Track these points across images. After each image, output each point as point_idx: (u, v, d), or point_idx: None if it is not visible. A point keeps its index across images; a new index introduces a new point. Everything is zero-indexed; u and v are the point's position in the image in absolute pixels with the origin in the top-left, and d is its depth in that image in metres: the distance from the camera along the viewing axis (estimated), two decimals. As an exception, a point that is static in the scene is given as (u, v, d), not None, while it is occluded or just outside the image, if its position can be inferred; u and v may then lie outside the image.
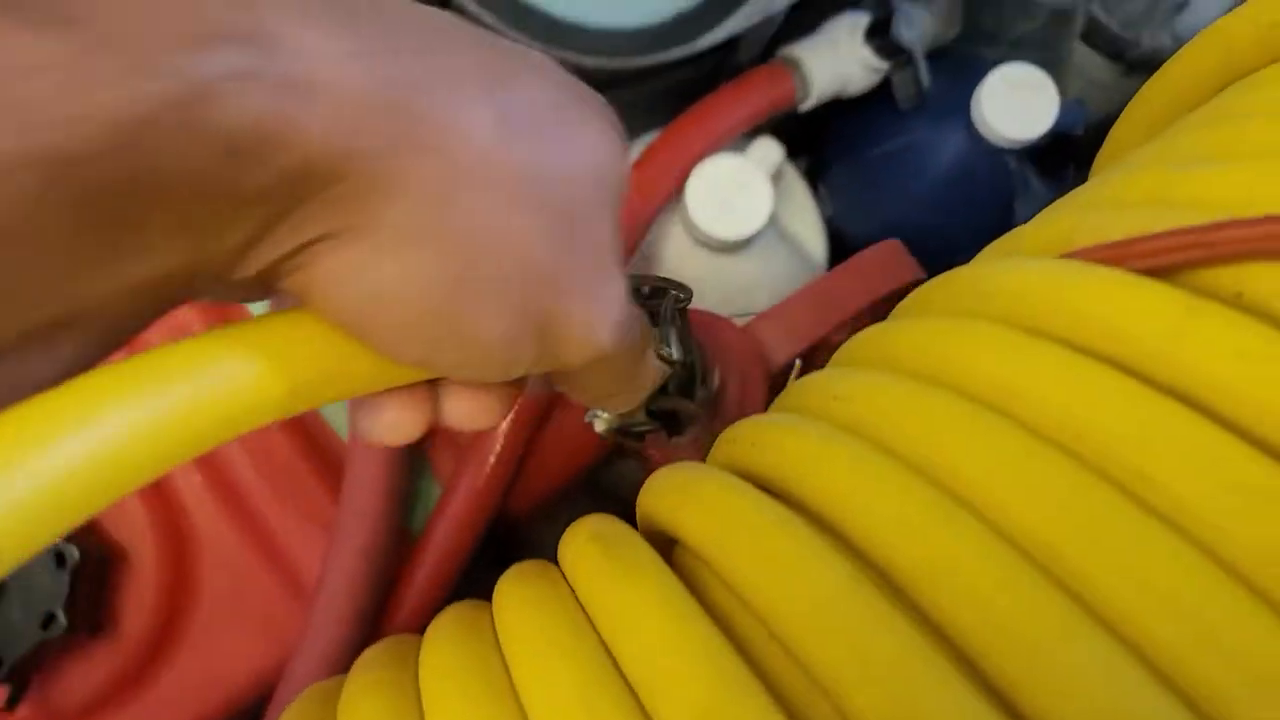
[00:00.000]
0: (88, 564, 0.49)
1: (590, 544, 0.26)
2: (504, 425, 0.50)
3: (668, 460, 0.46)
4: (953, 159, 0.60)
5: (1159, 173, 0.26)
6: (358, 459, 0.50)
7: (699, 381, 0.36)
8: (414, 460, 0.53)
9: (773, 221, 0.58)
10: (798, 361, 0.45)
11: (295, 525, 0.52)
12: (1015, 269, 0.26)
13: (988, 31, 0.67)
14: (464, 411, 0.25)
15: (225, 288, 0.20)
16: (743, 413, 0.39)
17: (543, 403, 0.52)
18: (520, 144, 0.20)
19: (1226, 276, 0.22)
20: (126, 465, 0.17)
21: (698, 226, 0.55)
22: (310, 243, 0.19)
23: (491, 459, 0.52)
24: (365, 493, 0.50)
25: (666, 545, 0.28)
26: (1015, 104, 0.57)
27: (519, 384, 0.26)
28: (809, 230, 0.65)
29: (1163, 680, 0.20)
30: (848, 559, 0.24)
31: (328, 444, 0.53)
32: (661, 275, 0.34)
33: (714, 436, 0.36)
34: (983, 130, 0.58)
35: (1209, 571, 0.20)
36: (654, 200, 0.56)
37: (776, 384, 0.43)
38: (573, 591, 0.26)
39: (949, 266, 0.67)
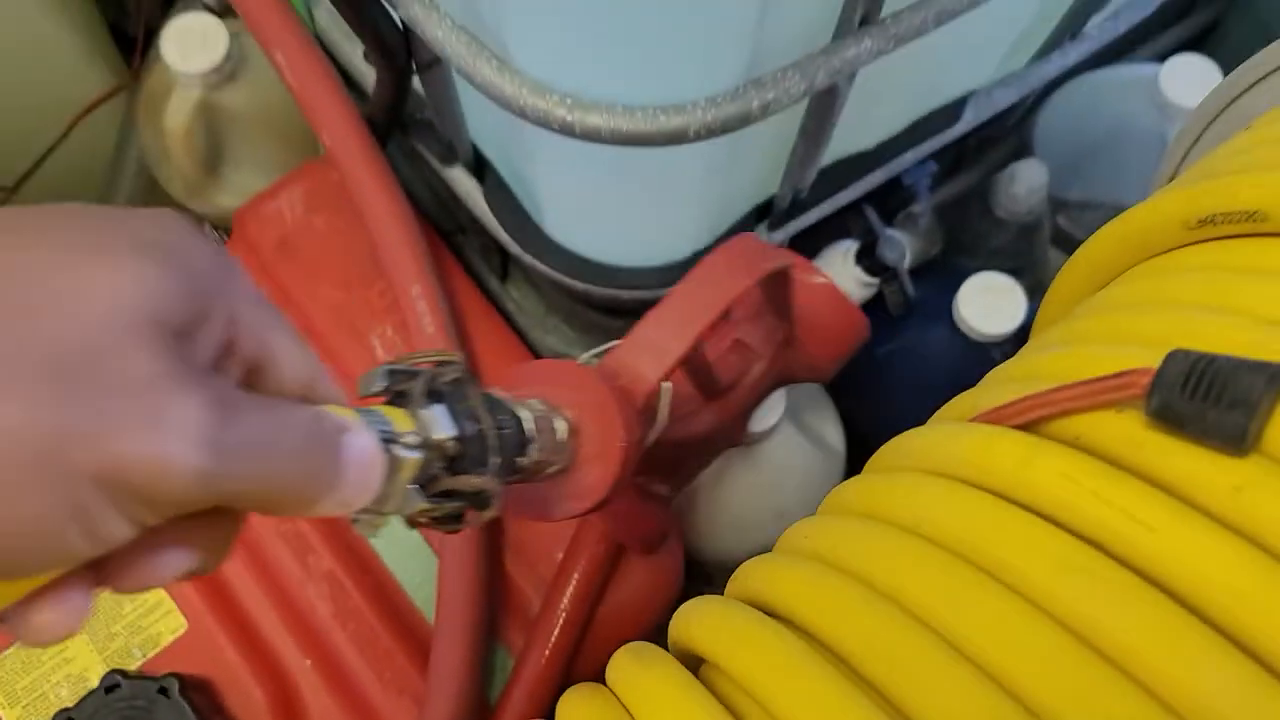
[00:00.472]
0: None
1: (624, 653, 0.35)
2: (565, 599, 0.58)
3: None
4: (942, 354, 0.70)
5: (1031, 356, 0.35)
6: (443, 639, 0.59)
7: (500, 451, 0.33)
8: (489, 636, 0.61)
9: (793, 416, 0.67)
10: (666, 384, 0.43)
11: (392, 700, 0.60)
12: (931, 431, 0.35)
13: (967, 245, 0.78)
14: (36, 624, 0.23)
15: None
16: (606, 453, 0.38)
17: (603, 573, 0.60)
18: None
19: (1067, 426, 0.31)
20: None
21: (724, 424, 0.64)
22: None
23: (555, 632, 0.60)
24: (449, 671, 0.58)
25: (694, 664, 0.36)
26: (990, 306, 0.67)
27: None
28: (827, 424, 0.74)
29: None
30: (830, 661, 0.32)
31: (417, 626, 0.61)
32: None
33: (584, 482, 0.38)
34: (964, 329, 0.68)
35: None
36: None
37: (650, 406, 0.43)
38: (614, 694, 0.34)
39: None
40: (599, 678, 0.65)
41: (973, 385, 0.74)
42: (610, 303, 0.72)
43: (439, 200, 0.86)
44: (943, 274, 0.74)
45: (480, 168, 0.67)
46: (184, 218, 0.26)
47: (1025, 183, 0.72)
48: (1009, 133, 0.88)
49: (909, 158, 0.68)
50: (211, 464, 0.22)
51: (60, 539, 0.21)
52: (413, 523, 0.32)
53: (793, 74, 0.48)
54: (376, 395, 0.32)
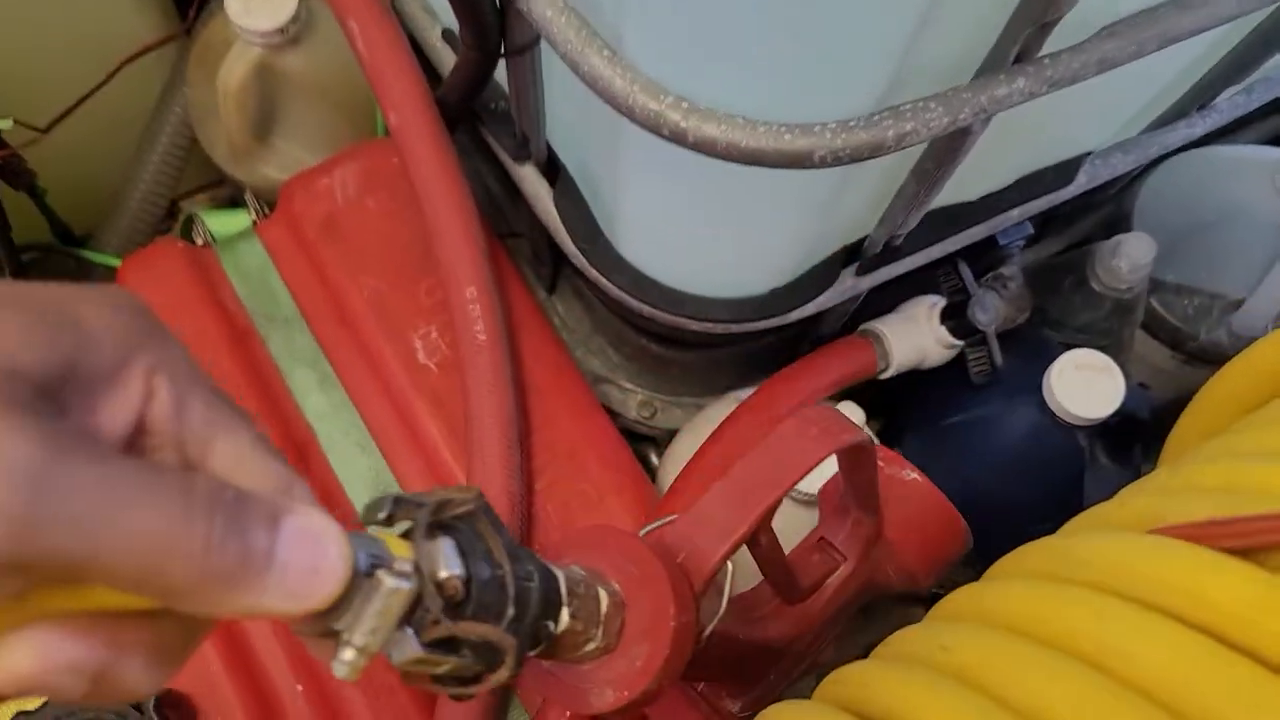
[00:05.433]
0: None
1: None
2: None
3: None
4: (1025, 433, 0.64)
5: (1229, 464, 0.30)
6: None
7: (518, 604, 0.29)
8: (506, 691, 0.55)
9: (853, 479, 0.61)
10: (729, 565, 0.40)
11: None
12: (1110, 541, 0.30)
13: (1054, 318, 0.73)
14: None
15: None
16: (653, 635, 0.34)
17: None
18: None
19: (1294, 558, 0.26)
20: None
21: (785, 480, 0.59)
22: None
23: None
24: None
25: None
26: (1084, 385, 0.62)
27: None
28: (885, 489, 0.68)
29: None
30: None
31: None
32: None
33: (628, 667, 0.34)
34: (1053, 407, 0.62)
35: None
36: (745, 451, 0.60)
37: (709, 588, 0.39)
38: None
39: (1016, 535, 0.70)
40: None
41: (1053, 470, 0.69)
42: (669, 331, 0.66)
43: (492, 199, 0.81)
44: (1028, 345, 0.69)
45: (552, 170, 0.61)
46: (109, 287, 0.24)
47: (1130, 258, 0.67)
48: (1106, 201, 0.83)
49: (1014, 215, 0.63)
50: (26, 507, 0.19)
51: None
52: (411, 677, 0.28)
53: (935, 107, 0.43)
54: (380, 525, 0.28)
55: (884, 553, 0.51)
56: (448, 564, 0.27)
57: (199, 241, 0.64)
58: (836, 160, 0.42)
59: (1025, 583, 0.31)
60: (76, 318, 0.23)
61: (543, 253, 0.74)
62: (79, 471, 0.20)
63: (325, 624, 0.25)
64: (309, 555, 0.23)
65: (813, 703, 0.32)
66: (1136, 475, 0.71)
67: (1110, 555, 0.29)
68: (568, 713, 0.52)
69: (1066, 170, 0.64)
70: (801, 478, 0.40)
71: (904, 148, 0.43)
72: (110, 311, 0.24)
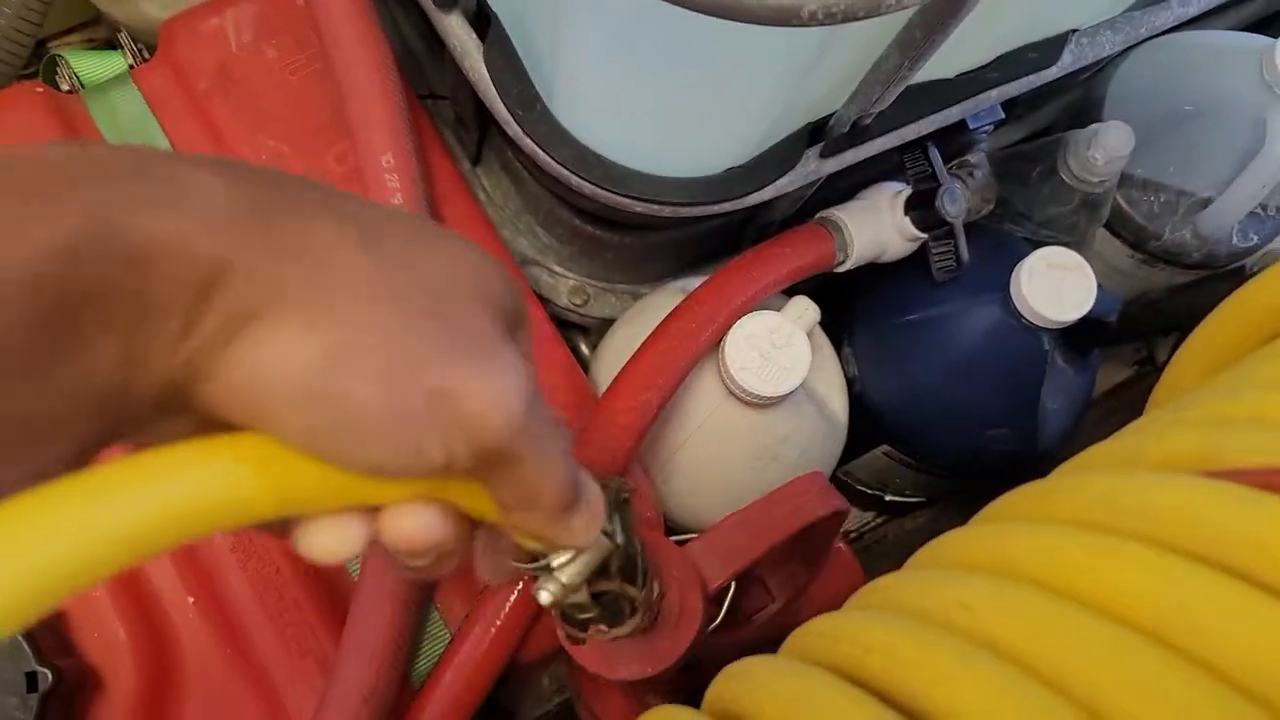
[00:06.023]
0: (60, 689, 0.45)
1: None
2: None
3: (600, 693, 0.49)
4: (986, 333, 0.60)
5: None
6: (366, 596, 0.48)
7: (641, 576, 0.37)
8: (424, 599, 0.50)
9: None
10: (732, 584, 0.47)
11: (291, 660, 0.49)
12: (1165, 486, 0.25)
13: (1017, 210, 0.68)
14: (405, 525, 0.26)
15: (151, 416, 0.24)
16: (680, 625, 0.42)
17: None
18: (371, 252, 0.24)
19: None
20: (123, 542, 0.21)
21: (736, 381, 0.54)
22: (214, 338, 0.22)
23: (507, 606, 0.49)
24: (372, 633, 0.47)
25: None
26: (1054, 286, 0.57)
27: (451, 502, 0.27)
28: (832, 390, 0.64)
29: None
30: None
31: (337, 580, 0.50)
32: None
33: (656, 648, 0.42)
34: (1020, 308, 0.58)
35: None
36: (692, 349, 0.55)
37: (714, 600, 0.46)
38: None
39: (969, 439, 0.66)
40: (547, 663, 0.54)
41: (1013, 374, 0.65)
42: (608, 212, 0.60)
43: (411, 54, 0.72)
44: (991, 240, 0.64)
45: (482, 20, 0.53)
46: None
47: (1107, 148, 0.62)
48: (1072, 87, 0.78)
49: (992, 96, 0.58)
50: (524, 418, 0.25)
51: (385, 438, 0.24)
52: (556, 608, 0.36)
53: (945, -41, 0.36)
54: None
55: (800, 603, 0.57)
56: (624, 535, 0.35)
57: (64, 88, 0.55)
58: (828, 18, 0.36)
59: (1058, 532, 0.27)
60: (514, 283, 0.28)
61: (468, 118, 0.66)
62: (539, 400, 0.27)
63: (548, 560, 0.33)
64: (597, 507, 0.31)
65: (789, 663, 0.27)
66: (1093, 382, 0.67)
67: (1167, 504, 0.25)
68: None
69: (1050, 48, 0.58)
70: (796, 530, 0.47)
71: (903, 9, 0.37)
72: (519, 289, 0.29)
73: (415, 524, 0.26)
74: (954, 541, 0.30)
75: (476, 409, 0.24)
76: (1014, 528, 0.29)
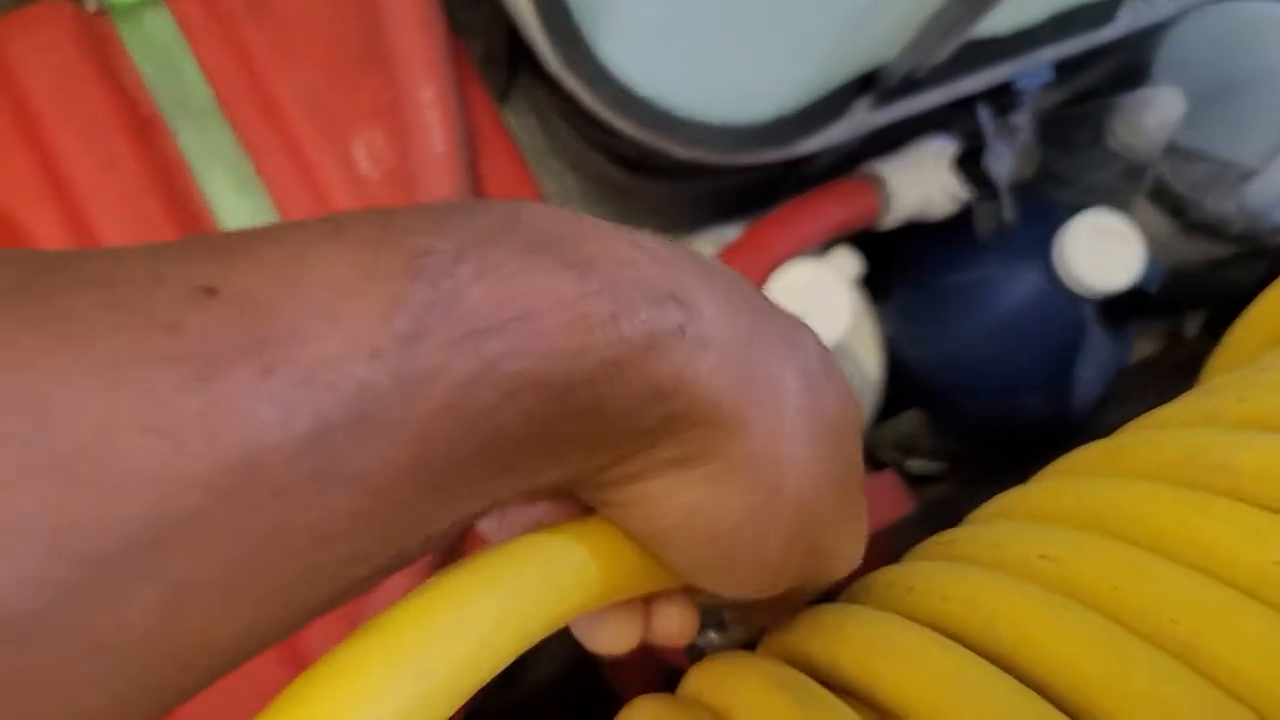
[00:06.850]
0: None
1: (775, 692, 0.23)
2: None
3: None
4: (1026, 299, 0.59)
5: None
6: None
7: None
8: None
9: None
10: None
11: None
12: (1253, 443, 0.24)
13: (1060, 175, 0.67)
14: (674, 626, 0.27)
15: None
16: None
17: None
18: (813, 395, 0.23)
19: None
20: (495, 655, 0.19)
21: (775, 334, 0.53)
22: (659, 465, 0.21)
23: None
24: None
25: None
26: (1099, 252, 0.56)
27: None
28: (866, 348, 0.63)
29: None
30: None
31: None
32: None
33: None
34: (1062, 274, 0.57)
35: None
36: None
37: None
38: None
39: (1001, 404, 0.65)
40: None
41: (1051, 340, 0.64)
42: (642, 158, 0.58)
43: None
44: (1034, 204, 0.63)
45: (527, -48, 0.52)
46: None
47: (1159, 114, 0.60)
48: (1118, 51, 0.76)
49: (1045, 55, 0.56)
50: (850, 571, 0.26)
51: (757, 580, 0.24)
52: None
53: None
54: None
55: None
56: None
57: (91, 8, 0.53)
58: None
59: (1142, 486, 0.26)
60: None
61: (499, 53, 0.64)
62: None
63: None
64: None
65: (885, 615, 0.26)
66: (1127, 353, 0.66)
67: (1256, 461, 0.24)
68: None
69: (1105, 9, 0.57)
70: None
71: (984, -53, 0.36)
72: None
73: (681, 626, 0.27)
74: (1020, 497, 0.29)
75: (841, 570, 0.25)
76: (1091, 482, 0.28)
